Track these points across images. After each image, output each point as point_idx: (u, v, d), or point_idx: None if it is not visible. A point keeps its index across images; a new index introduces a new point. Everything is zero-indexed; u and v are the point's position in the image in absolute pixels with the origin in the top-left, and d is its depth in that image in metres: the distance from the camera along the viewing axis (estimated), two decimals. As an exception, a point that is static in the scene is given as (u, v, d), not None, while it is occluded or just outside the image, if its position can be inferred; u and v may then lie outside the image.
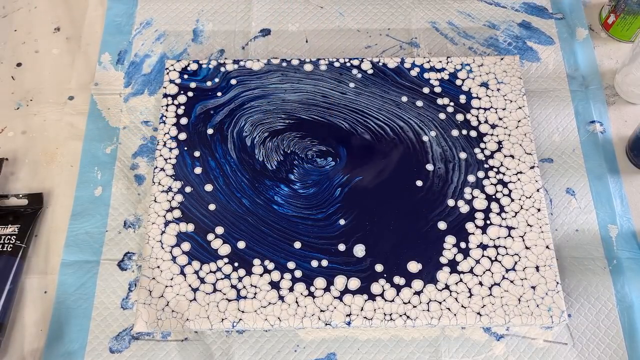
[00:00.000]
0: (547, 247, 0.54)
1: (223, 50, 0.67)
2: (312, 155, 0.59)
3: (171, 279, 0.53)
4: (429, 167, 0.58)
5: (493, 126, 0.60)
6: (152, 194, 0.57)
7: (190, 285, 0.53)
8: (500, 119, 0.60)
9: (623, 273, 0.55)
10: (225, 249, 0.54)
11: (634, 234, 0.57)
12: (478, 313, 0.51)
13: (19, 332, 0.53)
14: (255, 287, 0.52)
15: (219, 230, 0.55)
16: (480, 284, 0.52)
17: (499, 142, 0.59)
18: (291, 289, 0.52)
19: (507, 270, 0.53)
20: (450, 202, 0.56)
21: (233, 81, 0.63)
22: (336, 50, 0.67)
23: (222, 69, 0.63)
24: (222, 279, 0.53)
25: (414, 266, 0.53)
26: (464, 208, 0.56)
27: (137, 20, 0.69)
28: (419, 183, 0.57)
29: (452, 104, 0.61)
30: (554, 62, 0.66)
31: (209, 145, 0.59)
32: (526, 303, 0.51)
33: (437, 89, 0.62)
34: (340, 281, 0.53)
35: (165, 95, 0.62)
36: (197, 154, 0.59)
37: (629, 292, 0.54)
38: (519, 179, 0.57)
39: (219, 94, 0.62)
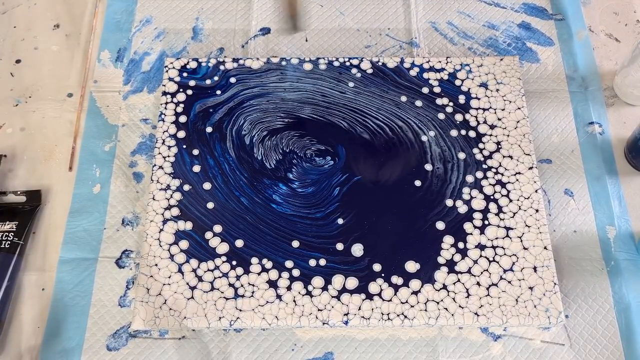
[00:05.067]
0: (545, 247, 0.54)
1: (223, 49, 0.67)
2: (311, 155, 0.59)
3: (169, 277, 0.53)
4: (428, 167, 0.58)
5: (492, 126, 0.60)
6: (151, 192, 0.57)
7: (188, 284, 0.52)
8: (499, 119, 0.60)
9: (621, 274, 0.55)
10: (223, 248, 0.54)
11: (632, 236, 0.57)
12: (475, 313, 0.51)
13: (16, 329, 0.53)
14: (253, 285, 0.52)
15: (217, 228, 0.55)
16: (478, 284, 0.52)
17: (498, 143, 0.59)
18: (289, 288, 0.52)
19: (504, 271, 0.53)
20: (449, 202, 0.56)
21: (232, 79, 0.63)
22: (336, 49, 0.67)
23: (222, 67, 0.63)
24: (220, 277, 0.53)
25: (411, 266, 0.53)
26: (462, 208, 0.56)
27: (137, 17, 0.69)
28: (418, 183, 0.57)
29: (451, 104, 0.61)
30: (553, 63, 0.66)
31: (208, 144, 0.59)
32: (524, 303, 0.52)
33: (437, 89, 0.62)
34: (338, 280, 0.53)
35: (165, 93, 0.62)
36: (195, 152, 0.59)
37: (626, 293, 0.54)
38: (517, 180, 0.57)
39: (218, 92, 0.62)
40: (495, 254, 0.54)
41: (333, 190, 0.57)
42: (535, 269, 0.53)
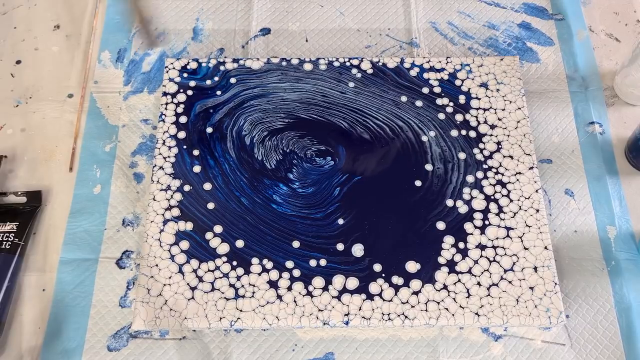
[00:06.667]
0: (546, 247, 0.54)
1: (223, 49, 0.67)
2: (311, 155, 0.59)
3: (169, 278, 0.53)
4: (428, 167, 0.58)
5: (492, 127, 0.60)
6: (151, 192, 0.57)
7: (188, 284, 0.53)
8: (499, 119, 0.60)
9: (621, 274, 0.55)
10: (223, 248, 0.54)
11: (632, 235, 0.57)
12: (476, 313, 0.51)
13: (17, 329, 0.53)
14: (254, 286, 0.52)
15: (218, 229, 0.55)
16: (479, 284, 0.52)
17: (498, 143, 0.59)
18: (289, 288, 0.52)
19: (505, 271, 0.53)
20: (449, 203, 0.56)
21: (233, 80, 0.63)
22: (336, 49, 0.67)
23: (222, 68, 0.63)
24: (220, 277, 0.53)
25: (412, 266, 0.53)
26: (462, 208, 0.56)
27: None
28: (418, 183, 0.57)
29: (451, 104, 0.61)
30: (553, 63, 0.66)
31: (208, 144, 0.59)
32: (524, 304, 0.52)
33: (437, 89, 0.62)
34: (338, 281, 0.53)
35: (165, 94, 0.62)
36: (196, 152, 0.59)
37: (627, 293, 0.54)
38: (517, 180, 0.57)
39: (219, 92, 0.62)
40: (496, 254, 0.54)
41: (333, 190, 0.57)
42: (535, 269, 0.53)
